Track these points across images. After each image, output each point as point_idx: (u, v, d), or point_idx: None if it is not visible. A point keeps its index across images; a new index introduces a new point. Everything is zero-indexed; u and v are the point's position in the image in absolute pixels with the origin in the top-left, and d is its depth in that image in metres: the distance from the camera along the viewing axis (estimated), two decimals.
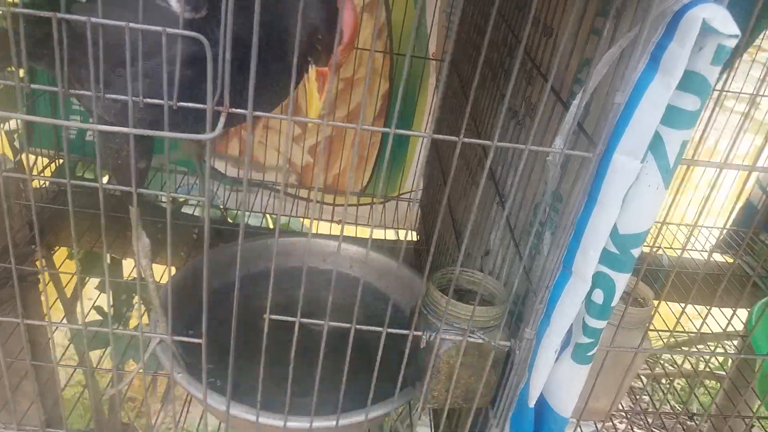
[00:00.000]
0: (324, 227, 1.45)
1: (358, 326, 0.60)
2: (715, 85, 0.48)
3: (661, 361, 1.59)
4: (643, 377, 1.63)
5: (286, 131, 1.33)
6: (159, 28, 0.47)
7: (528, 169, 0.71)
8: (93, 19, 0.48)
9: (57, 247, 1.35)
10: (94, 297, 1.83)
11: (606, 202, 0.52)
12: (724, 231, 1.45)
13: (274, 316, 0.59)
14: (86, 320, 1.51)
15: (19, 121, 1.13)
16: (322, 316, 0.59)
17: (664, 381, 1.77)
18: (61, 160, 1.29)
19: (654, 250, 1.40)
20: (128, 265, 1.68)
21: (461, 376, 0.64)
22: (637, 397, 1.21)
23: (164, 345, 0.77)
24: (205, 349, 0.61)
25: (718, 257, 1.45)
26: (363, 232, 1.41)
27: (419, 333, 0.63)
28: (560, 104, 0.64)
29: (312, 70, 0.65)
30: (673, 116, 0.49)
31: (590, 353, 0.59)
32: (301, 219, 1.51)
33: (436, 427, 0.91)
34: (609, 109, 0.50)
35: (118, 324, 1.72)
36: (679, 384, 1.88)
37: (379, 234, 1.41)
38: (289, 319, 0.60)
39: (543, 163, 0.65)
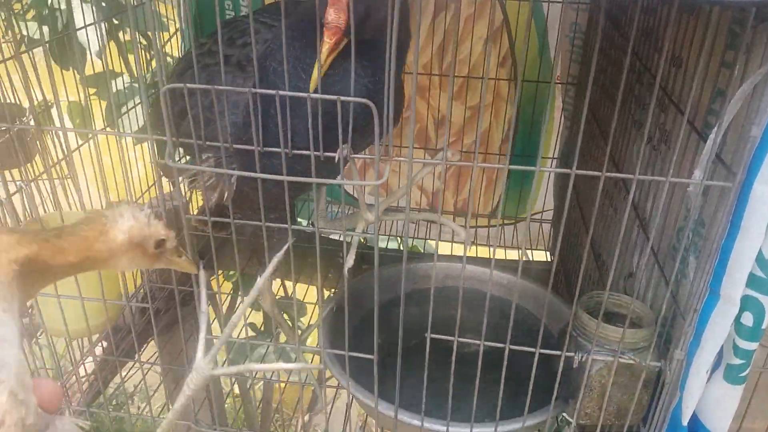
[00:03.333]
0: (458, 249, 1.51)
1: (511, 347, 0.66)
2: None
3: None
4: None
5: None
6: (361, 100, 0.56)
7: (668, 196, 0.74)
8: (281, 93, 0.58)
9: (219, 271, 1.50)
10: (247, 314, 2.00)
11: (749, 229, 0.55)
12: None
13: (434, 335, 0.67)
14: (240, 336, 1.67)
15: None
16: (463, 335, 0.66)
17: None
18: None
19: None
20: (277, 285, 1.83)
21: (613, 395, 0.68)
22: None
23: (331, 356, 0.86)
24: (377, 365, 0.69)
25: None
26: (495, 253, 1.45)
27: (571, 354, 0.67)
28: (695, 133, 0.67)
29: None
30: None
31: (742, 374, 0.61)
32: (434, 242, 1.58)
33: None
34: (746, 142, 0.53)
35: (270, 339, 1.87)
36: None
37: (511, 254, 1.46)
38: (448, 338, 0.67)
39: (683, 188, 0.68)
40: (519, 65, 1.32)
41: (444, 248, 1.55)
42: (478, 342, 0.67)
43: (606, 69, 1.11)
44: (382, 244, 1.67)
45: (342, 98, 0.56)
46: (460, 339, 0.67)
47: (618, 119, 0.97)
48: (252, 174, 0.62)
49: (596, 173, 0.59)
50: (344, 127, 0.58)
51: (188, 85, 0.59)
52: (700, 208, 0.64)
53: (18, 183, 0.85)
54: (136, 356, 0.84)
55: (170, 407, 0.93)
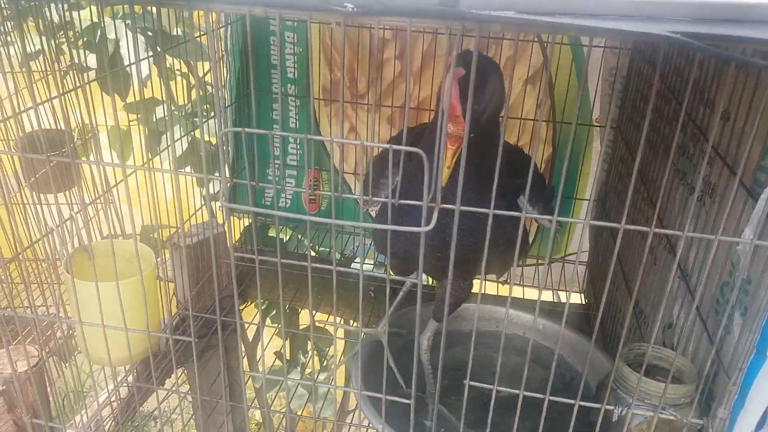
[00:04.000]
0: (491, 288, 1.50)
1: (551, 397, 0.66)
2: None
3: None
4: None
5: None
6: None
7: (714, 251, 0.73)
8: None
9: (250, 300, 1.52)
10: (275, 344, 2.01)
11: None
12: None
13: (473, 383, 0.66)
14: (267, 365, 1.68)
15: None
16: (493, 379, 0.66)
17: None
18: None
19: None
20: (304, 315, 1.84)
21: None
22: None
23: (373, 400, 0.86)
24: (413, 409, 0.69)
25: None
26: (529, 293, 1.45)
27: (611, 407, 0.67)
28: (743, 189, 0.66)
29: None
30: None
31: None
32: None
33: None
34: None
35: (295, 368, 1.88)
36: None
37: (545, 296, 1.45)
38: (488, 386, 0.67)
39: (726, 243, 0.68)
40: (558, 108, 1.33)
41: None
42: (517, 392, 0.67)
43: (646, 114, 1.10)
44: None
45: (395, 147, 0.57)
46: (500, 388, 0.66)
47: (660, 168, 0.96)
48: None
49: (645, 228, 0.59)
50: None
51: (247, 129, 0.60)
52: (749, 266, 0.63)
53: (72, 208, 0.87)
54: (173, 384, 0.85)
55: None
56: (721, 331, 0.67)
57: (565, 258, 1.45)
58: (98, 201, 0.94)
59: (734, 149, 0.72)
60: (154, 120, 1.50)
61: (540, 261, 1.47)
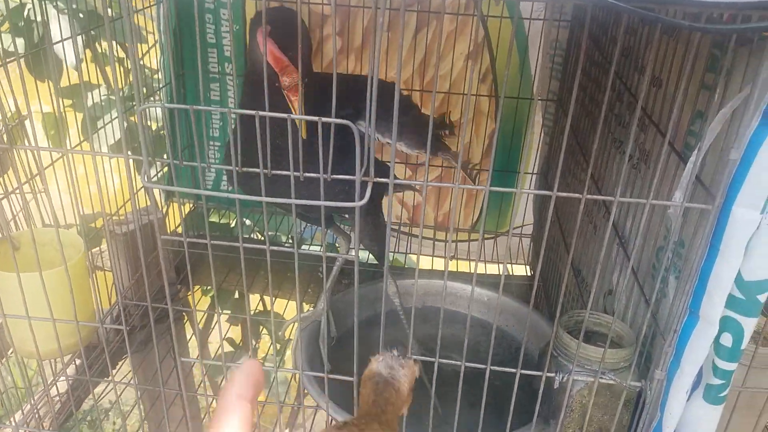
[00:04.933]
0: (438, 264, 1.51)
1: (493, 368, 0.66)
2: None
3: None
4: None
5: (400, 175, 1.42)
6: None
7: (648, 216, 0.74)
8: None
9: (196, 287, 1.49)
10: (225, 330, 1.98)
11: (728, 252, 0.55)
12: None
13: (417, 357, 0.66)
14: (220, 351, 1.65)
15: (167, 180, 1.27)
16: (443, 353, 0.66)
17: None
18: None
19: None
20: (254, 300, 1.81)
21: (594, 415, 0.68)
22: None
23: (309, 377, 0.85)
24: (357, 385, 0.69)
25: None
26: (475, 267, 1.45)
27: (552, 374, 0.67)
28: (675, 154, 0.67)
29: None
30: None
31: (722, 394, 0.61)
32: (415, 256, 1.58)
33: None
34: (725, 165, 0.53)
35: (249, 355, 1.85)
36: None
37: (491, 269, 1.46)
38: (430, 359, 0.66)
39: (662, 208, 0.69)
40: (500, 81, 1.33)
41: (425, 262, 1.55)
42: (459, 363, 0.67)
43: (585, 86, 1.11)
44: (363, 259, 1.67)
45: (324, 119, 0.55)
46: (441, 360, 0.66)
47: (594, 135, 0.97)
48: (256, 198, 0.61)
49: (577, 195, 0.59)
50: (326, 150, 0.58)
51: (166, 105, 0.58)
52: (680, 229, 0.64)
53: None
54: (111, 376, 0.83)
55: (145, 428, 0.91)
56: (656, 295, 0.68)
57: (511, 232, 1.46)
58: (26, 189, 0.90)
59: (666, 115, 0.73)
60: (89, 105, 1.44)
61: (486, 236, 1.48)
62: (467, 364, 0.65)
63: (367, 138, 0.56)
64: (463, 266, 1.48)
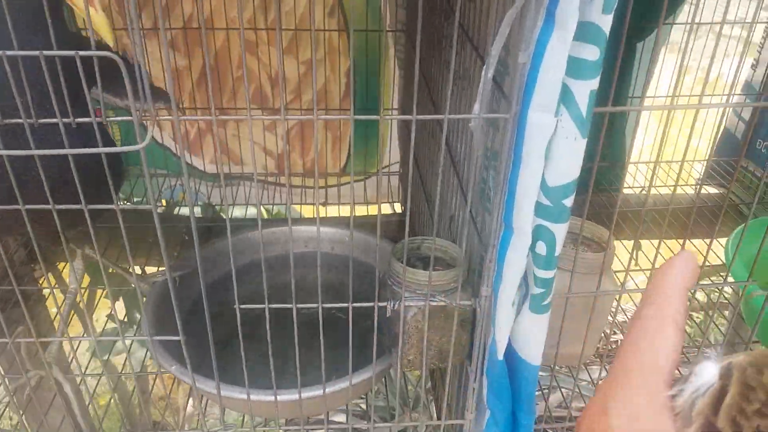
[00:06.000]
0: (309, 210, 1.48)
1: (324, 305, 0.64)
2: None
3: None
4: None
5: (263, 123, 1.36)
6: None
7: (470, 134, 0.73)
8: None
9: (61, 264, 1.39)
10: (107, 307, 1.89)
11: (529, 159, 0.54)
12: (707, 163, 1.47)
13: (243, 306, 0.63)
14: (104, 328, 1.57)
15: None
16: (306, 298, 0.64)
17: None
18: None
19: (645, 190, 1.43)
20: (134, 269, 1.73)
21: (432, 339, 0.67)
22: None
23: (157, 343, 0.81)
24: (184, 345, 0.65)
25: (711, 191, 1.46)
26: (348, 211, 1.43)
27: (383, 303, 0.66)
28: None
29: None
30: (576, 68, 0.51)
31: (545, 302, 0.62)
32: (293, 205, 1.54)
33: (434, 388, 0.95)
34: (516, 69, 0.52)
35: (134, 328, 1.78)
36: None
37: (364, 211, 1.44)
38: (258, 306, 0.64)
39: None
40: (349, 14, 1.28)
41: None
42: (290, 306, 0.64)
43: (425, 12, 1.09)
44: (239, 213, 1.62)
45: (82, 53, 0.49)
46: (271, 305, 0.63)
47: (434, 62, 0.96)
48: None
49: (408, 117, 0.57)
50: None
51: None
52: (492, 143, 0.63)
53: None
54: None
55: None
56: (482, 214, 0.68)
57: (379, 171, 1.44)
58: None
59: (483, 31, 0.71)
60: None
61: (356, 178, 1.46)
62: (325, 305, 0.63)
63: (138, 68, 0.50)
64: (333, 211, 1.46)
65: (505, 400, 0.69)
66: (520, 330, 0.65)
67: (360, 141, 1.41)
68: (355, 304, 0.64)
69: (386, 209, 1.47)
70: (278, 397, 0.71)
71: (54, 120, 0.52)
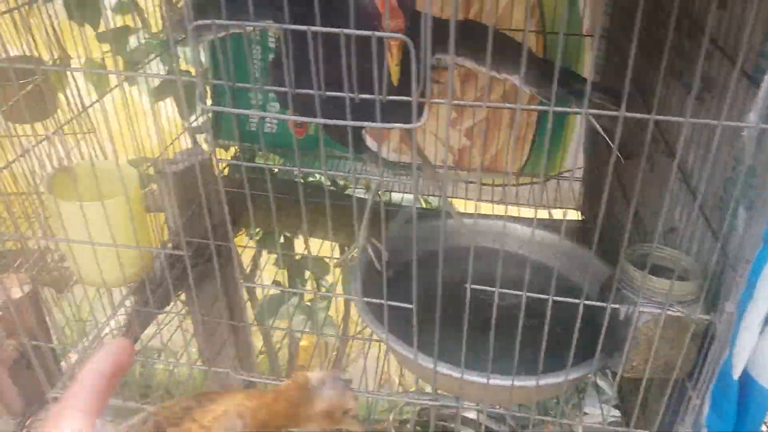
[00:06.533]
0: (485, 208, 1.49)
1: (555, 298, 0.65)
2: None
3: None
4: None
5: (446, 115, 1.39)
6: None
7: (717, 144, 0.71)
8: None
9: (241, 231, 1.50)
10: (272, 274, 2.01)
11: None
12: None
13: (475, 286, 0.65)
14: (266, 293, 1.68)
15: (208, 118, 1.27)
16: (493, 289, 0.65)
17: None
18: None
19: None
20: (299, 244, 1.83)
21: (660, 348, 0.67)
22: None
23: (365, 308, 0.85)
24: (416, 314, 0.69)
25: None
26: (524, 212, 1.43)
27: (617, 306, 0.66)
28: (746, 79, 0.64)
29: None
30: None
31: None
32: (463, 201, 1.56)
33: (622, 400, 0.94)
34: None
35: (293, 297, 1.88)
36: None
37: (542, 213, 1.43)
38: (490, 289, 0.66)
39: (729, 138, 0.66)
40: (547, 19, 1.28)
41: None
42: (520, 293, 0.66)
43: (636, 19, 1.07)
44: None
45: (377, 34, 0.53)
46: (501, 290, 0.65)
47: (650, 69, 0.93)
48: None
49: (645, 116, 0.57)
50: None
51: (217, 21, 0.56)
52: (753, 156, 0.61)
53: (44, 134, 0.84)
54: (171, 306, 0.84)
55: (203, 360, 0.93)
56: (725, 228, 0.66)
57: (561, 175, 1.43)
58: (75, 127, 0.90)
59: (733, 39, 0.69)
60: (128, 50, 1.44)
61: (535, 179, 1.45)
62: (529, 294, 0.65)
63: (423, 58, 0.54)
64: (511, 212, 1.46)
65: (728, 421, 0.67)
66: (761, 353, 0.62)
67: (543, 141, 1.40)
68: (588, 302, 0.65)
69: (558, 215, 1.45)
70: (490, 381, 0.73)
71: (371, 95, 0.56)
